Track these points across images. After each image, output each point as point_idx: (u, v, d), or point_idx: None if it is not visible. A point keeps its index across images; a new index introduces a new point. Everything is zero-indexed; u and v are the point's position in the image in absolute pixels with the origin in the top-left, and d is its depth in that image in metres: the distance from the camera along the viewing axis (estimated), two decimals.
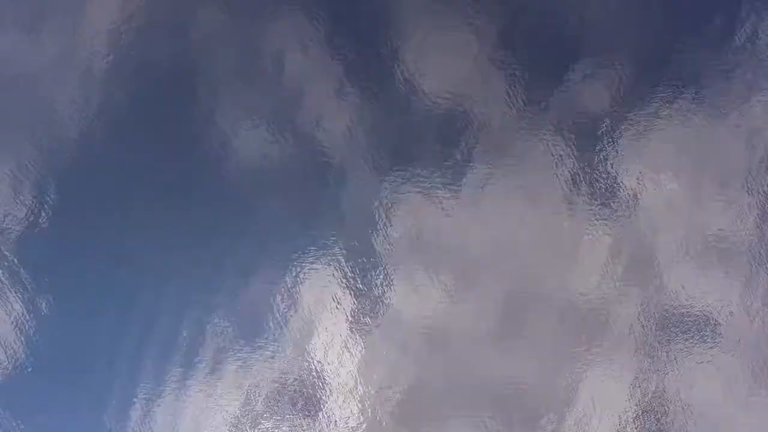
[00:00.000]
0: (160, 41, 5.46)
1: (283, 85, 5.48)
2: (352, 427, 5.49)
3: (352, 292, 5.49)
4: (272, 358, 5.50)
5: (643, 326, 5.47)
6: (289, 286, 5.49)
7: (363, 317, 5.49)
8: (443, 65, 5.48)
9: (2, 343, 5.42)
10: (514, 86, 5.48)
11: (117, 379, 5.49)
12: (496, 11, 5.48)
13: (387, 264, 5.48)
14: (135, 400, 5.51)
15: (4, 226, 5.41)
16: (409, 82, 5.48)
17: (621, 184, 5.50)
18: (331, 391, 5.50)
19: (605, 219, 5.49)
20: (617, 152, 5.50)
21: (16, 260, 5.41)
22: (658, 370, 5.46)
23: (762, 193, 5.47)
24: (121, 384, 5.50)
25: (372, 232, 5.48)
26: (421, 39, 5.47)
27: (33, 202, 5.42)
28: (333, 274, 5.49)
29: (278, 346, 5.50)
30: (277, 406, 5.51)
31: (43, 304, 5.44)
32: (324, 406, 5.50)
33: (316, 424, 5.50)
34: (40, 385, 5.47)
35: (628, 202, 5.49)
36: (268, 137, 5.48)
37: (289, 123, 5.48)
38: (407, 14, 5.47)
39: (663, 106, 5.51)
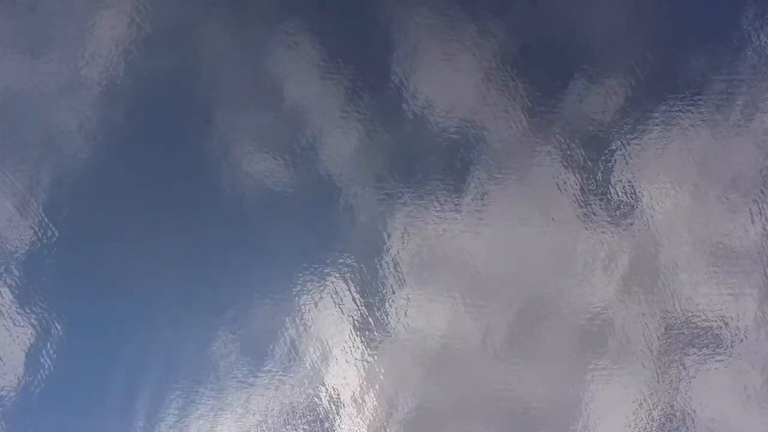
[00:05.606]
0: (168, 62, 5.47)
1: (289, 109, 5.47)
2: None
3: (361, 313, 5.45)
4: (279, 380, 5.46)
5: (659, 342, 5.40)
6: (296, 307, 5.46)
7: (372, 337, 5.45)
8: (448, 85, 5.46)
9: (12, 366, 5.41)
10: (522, 104, 5.45)
11: (123, 403, 5.46)
12: (500, 28, 5.47)
13: (395, 284, 5.44)
14: (145, 422, 5.49)
15: (12, 247, 5.41)
16: (416, 105, 5.47)
17: (633, 196, 5.44)
18: (339, 412, 5.45)
19: (616, 233, 5.43)
20: (628, 165, 5.45)
21: (24, 282, 5.40)
22: (675, 387, 5.40)
23: None
24: (128, 407, 5.47)
25: (380, 253, 5.45)
26: (425, 60, 5.45)
27: (41, 223, 5.41)
28: (341, 295, 5.45)
29: (285, 368, 5.46)
30: (285, 428, 5.47)
31: (51, 327, 5.42)
32: (333, 427, 5.46)
33: None
34: (49, 410, 5.45)
35: (640, 214, 5.43)
36: (276, 160, 5.47)
37: (295, 146, 5.46)
38: (410, 39, 5.46)
39: (677, 115, 5.46)
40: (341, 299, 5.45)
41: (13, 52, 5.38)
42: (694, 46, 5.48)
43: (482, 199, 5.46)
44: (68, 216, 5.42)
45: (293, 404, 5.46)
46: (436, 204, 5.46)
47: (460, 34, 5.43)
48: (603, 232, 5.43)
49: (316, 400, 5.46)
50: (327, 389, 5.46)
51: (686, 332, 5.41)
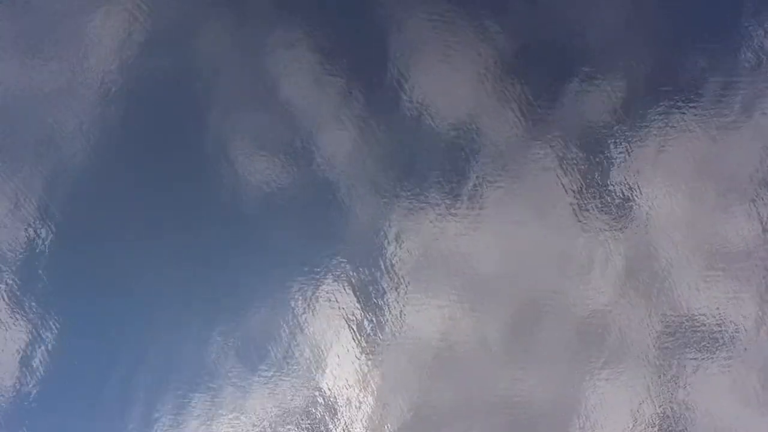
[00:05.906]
0: (168, 62, 5.47)
1: (288, 109, 5.46)
2: None
3: (360, 314, 5.43)
4: (277, 381, 5.44)
5: (659, 344, 5.37)
6: (295, 308, 5.44)
7: (371, 339, 5.43)
8: (447, 86, 5.45)
9: (9, 367, 5.39)
10: (521, 105, 5.44)
11: (121, 403, 5.44)
12: (500, 28, 5.46)
13: (395, 286, 5.42)
14: (142, 422, 5.47)
15: (11, 248, 5.39)
16: (414, 105, 5.46)
17: (632, 197, 5.43)
18: (338, 414, 5.43)
19: (616, 233, 5.41)
20: (628, 165, 5.44)
21: (22, 282, 5.39)
22: (675, 388, 5.37)
23: None
24: (126, 408, 5.45)
25: (379, 254, 5.43)
26: (423, 60, 5.45)
27: (40, 223, 5.40)
28: (340, 296, 5.43)
29: (283, 369, 5.44)
30: (284, 430, 5.44)
31: (49, 328, 5.39)
32: (334, 429, 5.43)
33: None
34: (47, 410, 5.42)
35: (640, 215, 5.41)
36: (275, 160, 5.46)
37: (295, 146, 5.46)
38: (410, 39, 5.47)
39: (677, 115, 5.44)
40: (340, 300, 5.43)
41: (13, 52, 5.39)
42: (694, 46, 5.48)
43: (481, 200, 5.45)
44: (67, 216, 5.42)
45: (291, 406, 5.43)
46: (435, 205, 5.45)
47: (459, 34, 5.43)
48: (602, 232, 5.41)
49: (315, 401, 5.44)
50: (326, 391, 5.44)
51: (686, 333, 5.38)
